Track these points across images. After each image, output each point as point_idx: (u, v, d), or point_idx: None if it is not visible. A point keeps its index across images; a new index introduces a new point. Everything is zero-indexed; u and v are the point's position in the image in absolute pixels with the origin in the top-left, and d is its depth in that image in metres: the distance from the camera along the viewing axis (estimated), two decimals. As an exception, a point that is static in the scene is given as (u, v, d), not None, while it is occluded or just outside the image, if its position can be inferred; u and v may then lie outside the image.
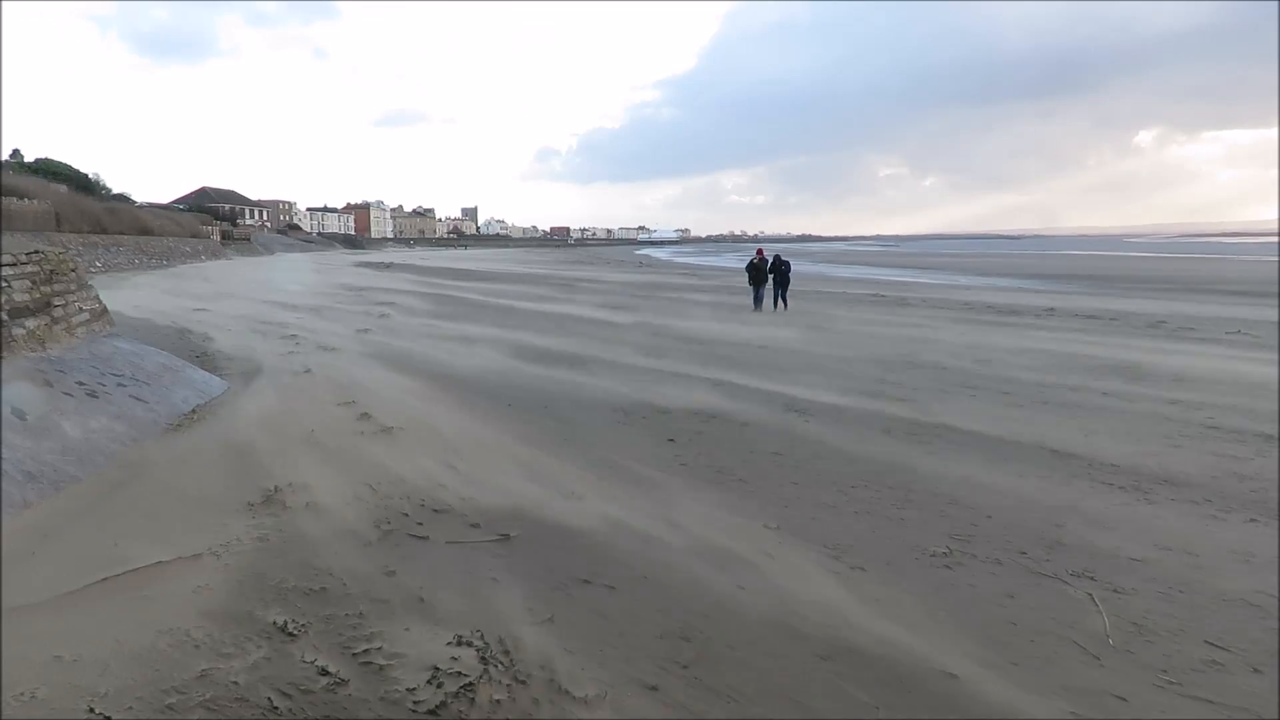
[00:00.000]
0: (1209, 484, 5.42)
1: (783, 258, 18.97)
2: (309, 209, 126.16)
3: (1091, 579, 3.94)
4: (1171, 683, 3.05)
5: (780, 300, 18.51)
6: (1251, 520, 4.74)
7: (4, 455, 4.84)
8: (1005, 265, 51.87)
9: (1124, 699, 2.94)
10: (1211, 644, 3.32)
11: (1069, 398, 8.23)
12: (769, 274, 18.58)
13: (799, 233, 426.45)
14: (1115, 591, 3.80)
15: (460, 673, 2.95)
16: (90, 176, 49.02)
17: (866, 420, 7.20)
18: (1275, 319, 15.92)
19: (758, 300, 18.73)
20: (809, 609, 3.61)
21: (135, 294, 19.70)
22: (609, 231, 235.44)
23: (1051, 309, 18.88)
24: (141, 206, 50.52)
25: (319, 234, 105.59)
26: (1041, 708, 2.88)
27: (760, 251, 19.53)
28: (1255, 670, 3.12)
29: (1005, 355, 11.22)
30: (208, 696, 2.77)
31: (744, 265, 19.96)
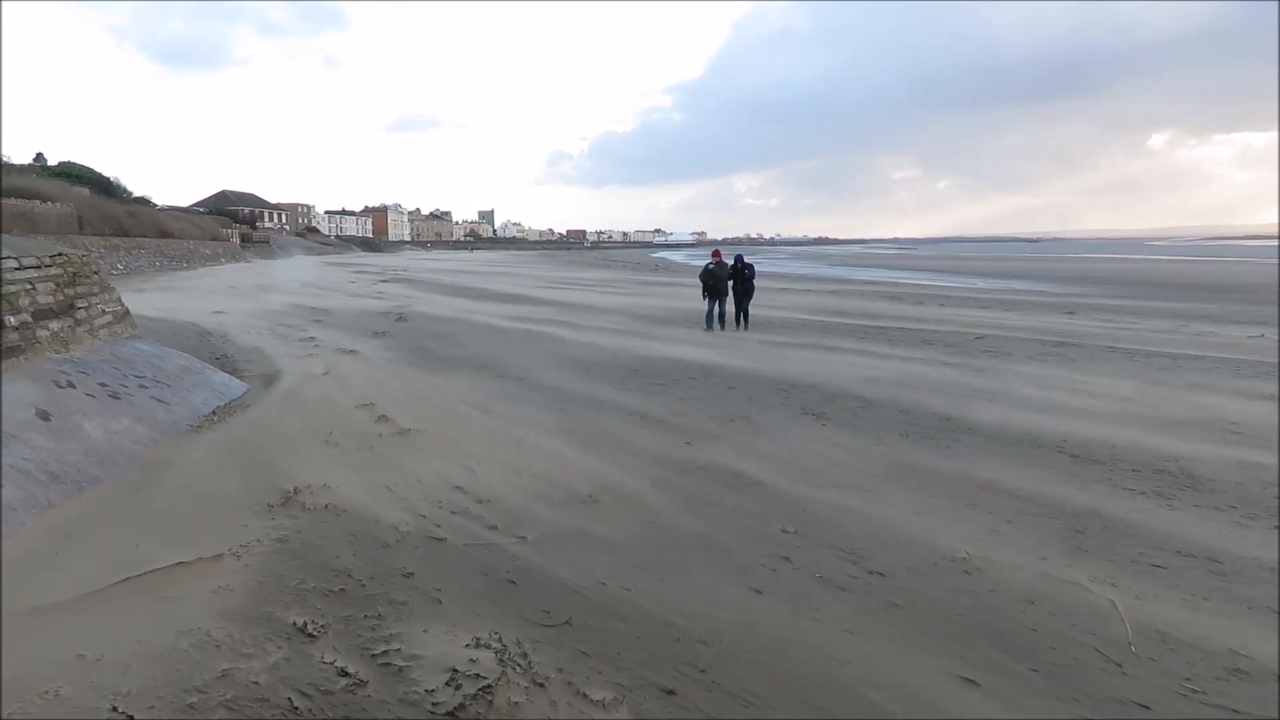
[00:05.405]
0: (1232, 490, 5.35)
1: (745, 260, 15.31)
2: (327, 212, 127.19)
3: (1113, 585, 3.90)
4: (1195, 691, 3.02)
5: (741, 317, 14.93)
6: (1277, 527, 4.67)
7: (28, 455, 4.90)
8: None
9: (1146, 707, 2.91)
10: (1236, 652, 3.28)
11: (1088, 404, 8.15)
12: (729, 281, 14.90)
13: (815, 235, 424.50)
14: (1138, 598, 3.76)
15: (478, 675, 2.96)
16: (112, 180, 49.53)
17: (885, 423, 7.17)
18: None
19: (711, 318, 14.79)
20: (825, 613, 3.60)
21: (156, 296, 19.94)
22: (624, 234, 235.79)
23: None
24: (162, 209, 51.05)
25: (337, 236, 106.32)
26: (1062, 715, 2.85)
27: (717, 254, 15.73)
28: (1281, 679, 3.08)
29: (1024, 362, 11.13)
30: (228, 696, 2.79)
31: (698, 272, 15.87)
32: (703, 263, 15.48)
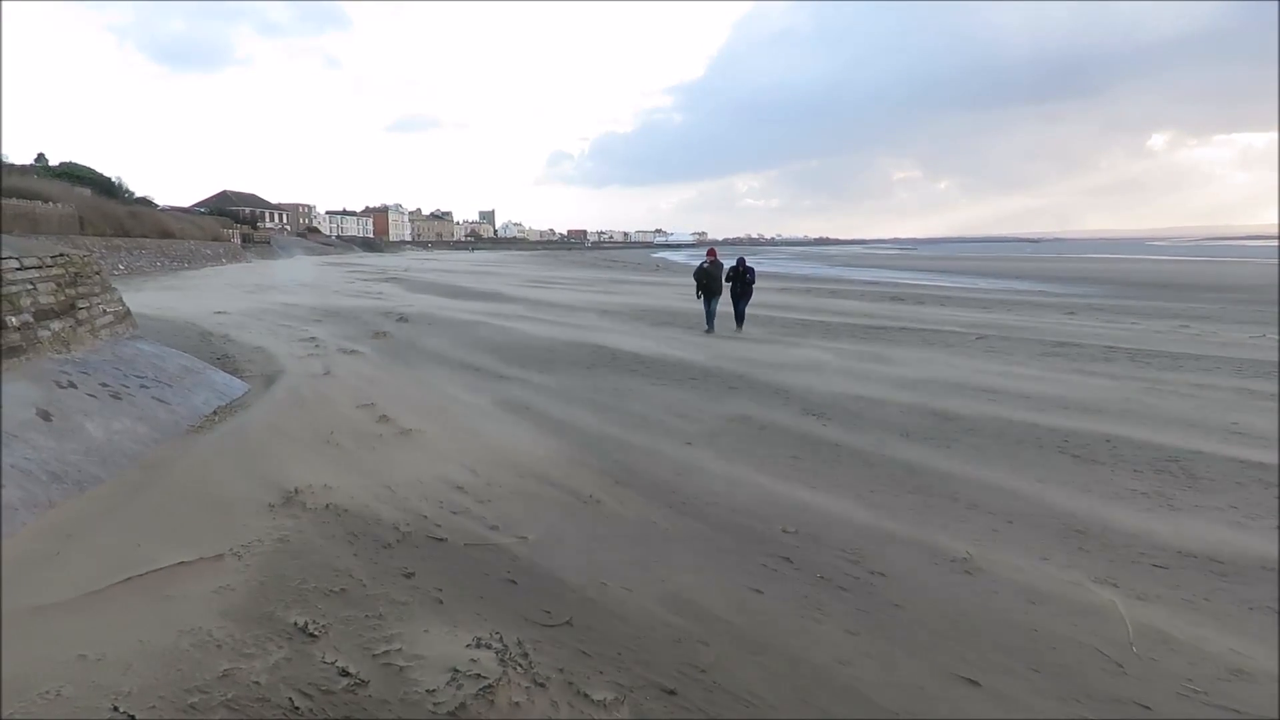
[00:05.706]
0: (1232, 490, 5.35)
1: (746, 263, 15.14)
2: (328, 212, 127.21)
3: (1114, 585, 3.90)
4: (1196, 691, 3.02)
5: (737, 318, 14.71)
6: (1277, 527, 4.67)
7: (29, 455, 4.91)
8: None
9: (1147, 707, 2.91)
10: (1237, 653, 3.28)
11: (1090, 404, 8.14)
12: (727, 283, 14.78)
13: (816, 236, 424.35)
14: (1139, 599, 3.77)
15: (479, 675, 2.97)
16: (113, 180, 49.46)
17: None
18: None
19: (711, 318, 14.61)
20: (826, 613, 3.60)
21: (158, 296, 19.93)
22: (625, 235, 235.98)
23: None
24: (163, 210, 51.00)
25: (338, 237, 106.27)
26: (1063, 715, 2.85)
27: (712, 252, 15.65)
28: (1282, 680, 3.08)
29: (1027, 361, 11.12)
30: (230, 696, 2.80)
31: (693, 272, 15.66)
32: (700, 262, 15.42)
